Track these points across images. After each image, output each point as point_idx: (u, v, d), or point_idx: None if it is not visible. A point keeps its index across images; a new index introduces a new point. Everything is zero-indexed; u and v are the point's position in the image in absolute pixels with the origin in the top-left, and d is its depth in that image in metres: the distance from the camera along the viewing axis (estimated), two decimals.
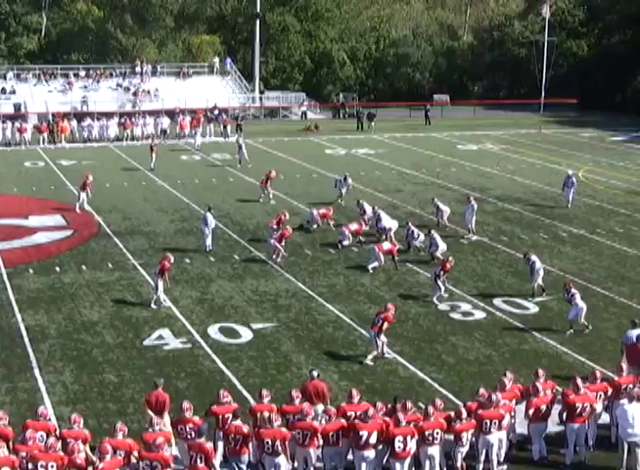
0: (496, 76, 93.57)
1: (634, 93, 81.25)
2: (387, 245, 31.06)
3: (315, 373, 18.62)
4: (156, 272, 26.79)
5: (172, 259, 27.34)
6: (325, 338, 24.41)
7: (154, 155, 48.74)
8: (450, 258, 28.24)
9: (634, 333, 21.46)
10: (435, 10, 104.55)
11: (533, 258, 27.84)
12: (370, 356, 22.61)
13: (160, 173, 47.58)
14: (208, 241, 32.67)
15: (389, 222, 34.05)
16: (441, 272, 27.36)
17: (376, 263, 30.44)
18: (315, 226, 35.64)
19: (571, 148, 59.15)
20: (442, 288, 27.39)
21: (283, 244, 31.42)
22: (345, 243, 33.31)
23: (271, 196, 40.66)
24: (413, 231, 32.50)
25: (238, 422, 16.45)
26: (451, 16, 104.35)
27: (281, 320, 25.74)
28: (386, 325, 22.62)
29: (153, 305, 26.51)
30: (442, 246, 30.80)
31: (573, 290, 24.97)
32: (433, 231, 31.46)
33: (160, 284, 26.61)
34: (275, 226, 33.19)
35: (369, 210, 35.29)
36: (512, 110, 78.88)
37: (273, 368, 22.36)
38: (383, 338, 22.71)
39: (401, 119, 74.61)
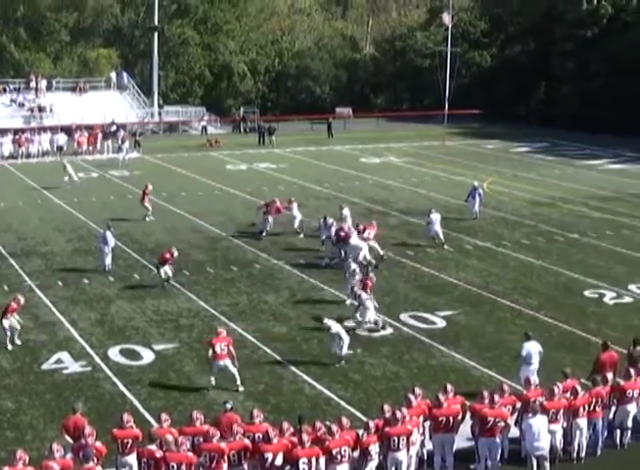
0: (398, 88, 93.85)
1: (537, 103, 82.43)
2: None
3: (229, 406, 17.81)
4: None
5: (22, 301, 25.37)
6: None
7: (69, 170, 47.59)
8: (371, 276, 27.84)
9: (529, 345, 21.28)
10: (336, 21, 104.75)
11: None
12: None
13: (56, 192, 46.28)
14: (108, 260, 31.75)
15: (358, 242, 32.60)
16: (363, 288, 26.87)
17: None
18: (265, 234, 36.39)
19: (476, 159, 59.49)
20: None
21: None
22: (264, 234, 35.88)
23: (149, 212, 39.64)
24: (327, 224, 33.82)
25: (153, 447, 16.02)
26: (352, 27, 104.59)
27: (183, 341, 25.15)
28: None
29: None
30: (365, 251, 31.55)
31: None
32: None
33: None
34: (264, 208, 36.92)
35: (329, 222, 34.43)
36: (415, 122, 78.72)
37: (175, 390, 21.77)
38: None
39: (303, 133, 74.30)
